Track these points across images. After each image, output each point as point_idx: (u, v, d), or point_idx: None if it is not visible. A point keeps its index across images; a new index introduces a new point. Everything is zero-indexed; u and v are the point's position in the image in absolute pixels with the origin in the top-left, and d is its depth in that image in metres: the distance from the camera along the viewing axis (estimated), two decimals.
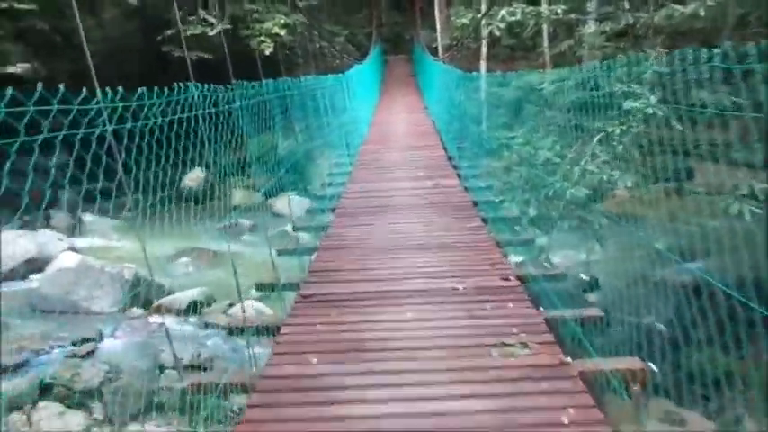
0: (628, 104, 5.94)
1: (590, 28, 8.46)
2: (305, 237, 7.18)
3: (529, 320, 3.25)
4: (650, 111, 5.98)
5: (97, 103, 2.22)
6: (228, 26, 13.02)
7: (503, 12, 8.76)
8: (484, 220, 5.31)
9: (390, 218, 5.62)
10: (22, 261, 9.89)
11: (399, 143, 9.91)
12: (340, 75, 9.16)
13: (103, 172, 2.25)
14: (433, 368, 2.80)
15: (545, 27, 17.01)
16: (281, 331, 3.29)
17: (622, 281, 6.76)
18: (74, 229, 13.01)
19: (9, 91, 1.75)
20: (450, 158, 8.24)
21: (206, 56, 13.88)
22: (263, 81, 5.22)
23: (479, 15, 11.27)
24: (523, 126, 8.48)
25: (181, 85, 2.99)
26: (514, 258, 5.67)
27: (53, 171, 1.92)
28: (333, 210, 6.13)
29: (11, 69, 24.00)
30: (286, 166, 6.01)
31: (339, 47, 18.47)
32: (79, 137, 2.15)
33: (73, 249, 10.93)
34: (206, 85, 3.36)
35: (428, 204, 6.07)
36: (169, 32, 12.63)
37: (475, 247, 4.54)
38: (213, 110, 3.49)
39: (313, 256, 4.62)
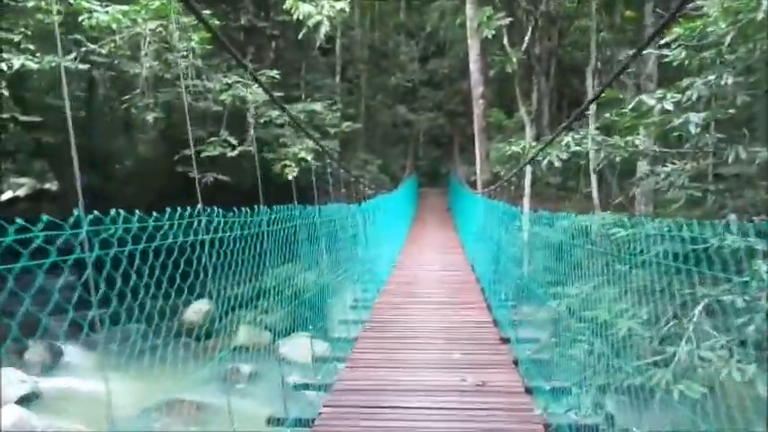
0: (761, 266, 4.08)
1: (668, 166, 6.88)
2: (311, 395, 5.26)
3: None
4: None
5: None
6: (249, 148, 12.02)
7: (568, 138, 7.27)
8: None
9: None
10: None
11: (428, 296, 7.93)
12: (352, 205, 7.58)
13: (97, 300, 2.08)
14: None
15: (592, 166, 15.73)
16: None
17: None
18: (47, 366, 11.22)
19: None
20: (495, 323, 6.27)
21: (224, 178, 12.88)
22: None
23: (534, 143, 9.98)
24: (589, 281, 6.55)
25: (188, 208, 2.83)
26: None
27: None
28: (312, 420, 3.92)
29: (47, 185, 23.94)
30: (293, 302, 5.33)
31: (370, 176, 17.51)
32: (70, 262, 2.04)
33: (27, 399, 9.06)
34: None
35: None
36: (186, 152, 11.66)
37: None
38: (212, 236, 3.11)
39: None
